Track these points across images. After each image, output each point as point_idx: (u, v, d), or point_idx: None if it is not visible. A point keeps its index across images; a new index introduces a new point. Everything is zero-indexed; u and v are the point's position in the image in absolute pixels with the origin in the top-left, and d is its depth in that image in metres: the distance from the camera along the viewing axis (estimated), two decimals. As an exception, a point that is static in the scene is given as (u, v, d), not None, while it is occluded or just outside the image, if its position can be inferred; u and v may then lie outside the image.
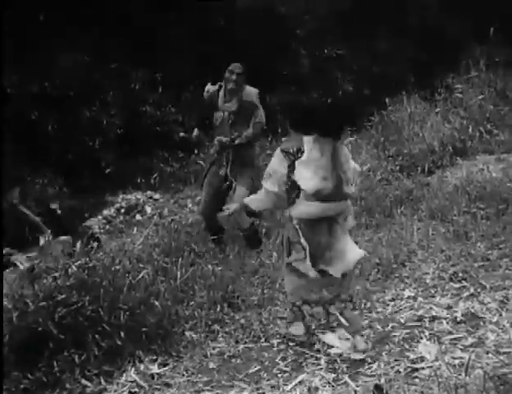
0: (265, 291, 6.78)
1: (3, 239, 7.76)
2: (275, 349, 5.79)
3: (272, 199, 5.63)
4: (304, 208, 5.46)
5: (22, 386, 5.30)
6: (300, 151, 5.41)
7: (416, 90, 13.46)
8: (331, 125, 5.44)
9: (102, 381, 5.49)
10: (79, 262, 6.16)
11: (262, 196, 5.70)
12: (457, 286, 6.44)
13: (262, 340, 6.00)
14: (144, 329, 5.86)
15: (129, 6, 14.56)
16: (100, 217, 11.52)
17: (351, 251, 5.70)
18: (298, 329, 5.92)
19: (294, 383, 5.14)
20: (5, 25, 11.44)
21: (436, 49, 15.53)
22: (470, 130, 11.15)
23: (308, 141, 5.39)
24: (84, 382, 5.45)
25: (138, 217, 11.41)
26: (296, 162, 5.41)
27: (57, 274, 5.97)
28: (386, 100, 13.31)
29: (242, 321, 6.33)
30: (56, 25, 13.70)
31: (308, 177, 5.37)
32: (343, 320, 5.71)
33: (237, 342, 5.99)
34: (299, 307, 5.87)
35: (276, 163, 5.56)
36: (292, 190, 5.48)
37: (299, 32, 16.04)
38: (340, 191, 5.47)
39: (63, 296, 5.67)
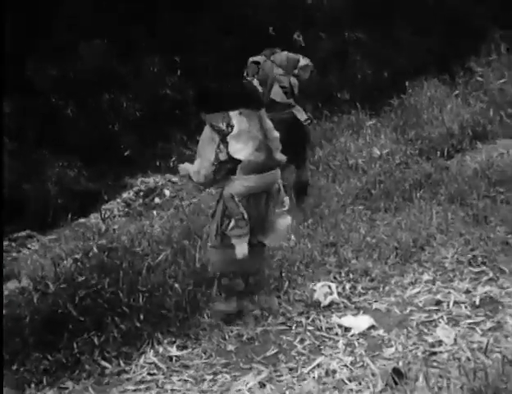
0: (283, 274, 6.78)
1: (24, 220, 7.80)
2: (293, 332, 5.81)
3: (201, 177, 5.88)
4: (243, 183, 5.73)
5: (42, 367, 5.36)
6: (230, 125, 5.71)
7: (436, 74, 13.37)
8: (252, 97, 6.10)
9: (121, 362, 5.54)
10: (99, 242, 6.20)
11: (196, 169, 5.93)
12: (476, 270, 6.42)
13: (281, 322, 6.02)
14: (162, 311, 5.90)
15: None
16: (119, 200, 11.56)
17: (281, 221, 6.12)
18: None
19: (312, 366, 5.17)
20: (25, 12, 11.50)
21: (457, 32, 15.44)
22: (490, 113, 11.06)
23: (234, 115, 5.76)
24: (103, 363, 5.50)
25: (157, 200, 11.44)
26: (228, 137, 5.70)
27: (77, 256, 6.01)
28: (406, 84, 13.23)
29: (260, 303, 6.34)
30: (76, 10, 13.75)
31: (241, 148, 5.70)
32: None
33: (255, 325, 6.01)
34: (219, 279, 6.12)
35: (206, 141, 5.81)
36: (224, 166, 5.73)
37: (318, 15, 15.97)
38: (273, 159, 5.84)
39: (83, 278, 5.72)
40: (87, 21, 14.01)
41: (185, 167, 6.16)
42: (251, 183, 5.73)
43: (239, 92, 6.08)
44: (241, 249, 5.77)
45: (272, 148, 5.83)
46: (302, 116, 8.50)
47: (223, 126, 5.72)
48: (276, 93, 8.29)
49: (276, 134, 5.99)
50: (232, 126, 5.71)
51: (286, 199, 6.19)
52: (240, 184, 5.73)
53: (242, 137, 5.70)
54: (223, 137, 5.70)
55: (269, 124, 5.92)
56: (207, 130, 5.81)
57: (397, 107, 12.89)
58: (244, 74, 8.25)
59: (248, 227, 5.77)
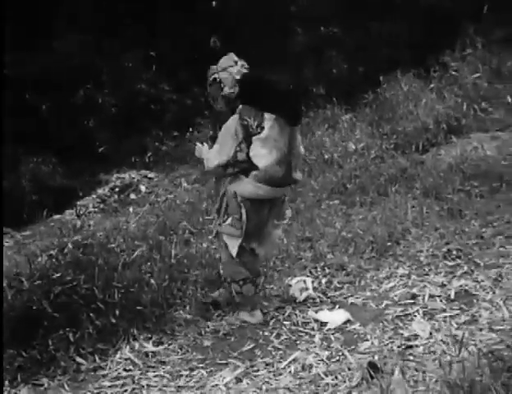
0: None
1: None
2: (269, 327, 5.81)
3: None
4: (252, 189, 5.56)
5: (17, 364, 5.30)
6: (260, 126, 5.47)
7: (411, 68, 13.40)
8: (295, 111, 5.59)
9: (97, 359, 5.51)
10: (74, 239, 6.16)
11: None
12: (451, 263, 6.46)
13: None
14: (138, 307, 5.87)
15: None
16: (94, 196, 11.52)
17: (275, 232, 6.03)
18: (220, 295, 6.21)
19: (288, 361, 5.17)
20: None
21: (432, 27, 15.47)
22: (464, 107, 11.13)
23: (269, 118, 5.46)
24: (78, 360, 5.46)
25: (132, 196, 11.41)
26: (253, 138, 5.47)
27: (53, 252, 5.97)
28: (381, 78, 13.25)
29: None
30: (51, 6, 13.68)
31: (262, 155, 5.47)
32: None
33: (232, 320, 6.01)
34: (229, 283, 5.98)
35: (230, 134, 5.57)
36: (239, 165, 5.56)
37: (294, 9, 15.97)
38: (290, 177, 5.63)
39: (58, 275, 5.67)
40: (63, 17, 13.94)
41: (201, 148, 5.97)
42: (260, 191, 5.57)
43: (284, 100, 5.71)
44: (233, 250, 5.71)
45: (293, 165, 5.63)
46: None
47: (253, 124, 5.50)
48: None
49: (302, 151, 5.86)
50: (262, 128, 5.48)
51: (288, 212, 6.08)
52: (248, 188, 5.57)
53: (268, 143, 5.46)
54: (248, 136, 5.50)
55: (298, 140, 5.71)
56: (234, 121, 5.58)
57: (372, 101, 12.93)
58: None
59: (242, 231, 5.64)
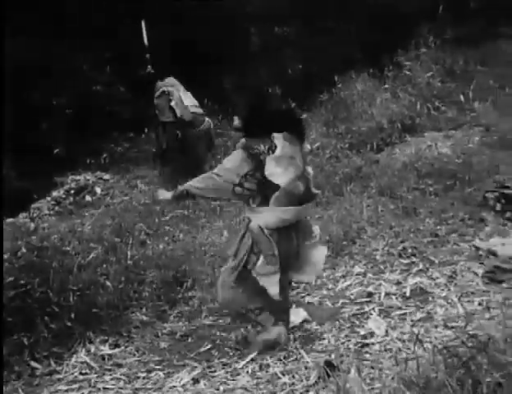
0: (216, 270, 6.76)
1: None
2: (226, 327, 5.80)
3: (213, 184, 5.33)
4: (277, 216, 5.24)
5: (-31, 369, 5.25)
6: (271, 149, 5.22)
7: (365, 68, 13.45)
8: (300, 126, 5.54)
9: (52, 363, 5.47)
10: (28, 242, 6.09)
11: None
12: (406, 261, 6.52)
13: (214, 319, 6.01)
14: (94, 310, 5.84)
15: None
16: (49, 198, 11.39)
17: (315, 253, 5.61)
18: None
19: (245, 361, 5.16)
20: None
21: (386, 27, 15.56)
22: (418, 107, 11.22)
23: (278, 137, 5.22)
24: (33, 364, 5.42)
25: (88, 198, 11.30)
26: (267, 158, 5.18)
27: (5, 256, 5.89)
28: (335, 78, 13.29)
29: (194, 300, 6.33)
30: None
31: (278, 173, 5.19)
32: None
33: (189, 322, 5.99)
34: (244, 314, 5.60)
35: (235, 165, 5.28)
36: (256, 193, 5.28)
37: (248, 9, 15.96)
38: (310, 192, 5.43)
39: (11, 278, 5.60)
40: (16, 17, 13.78)
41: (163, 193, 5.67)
42: (286, 216, 5.25)
43: (284, 116, 5.54)
44: (273, 288, 5.22)
45: (310, 179, 5.45)
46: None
47: (265, 149, 5.19)
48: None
49: (309, 170, 5.60)
50: (273, 150, 5.18)
51: (316, 229, 5.75)
52: (273, 215, 5.22)
53: (283, 161, 5.19)
54: (258, 163, 5.20)
55: (305, 158, 5.54)
56: (238, 156, 5.30)
57: (327, 101, 12.96)
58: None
59: (278, 265, 5.22)
